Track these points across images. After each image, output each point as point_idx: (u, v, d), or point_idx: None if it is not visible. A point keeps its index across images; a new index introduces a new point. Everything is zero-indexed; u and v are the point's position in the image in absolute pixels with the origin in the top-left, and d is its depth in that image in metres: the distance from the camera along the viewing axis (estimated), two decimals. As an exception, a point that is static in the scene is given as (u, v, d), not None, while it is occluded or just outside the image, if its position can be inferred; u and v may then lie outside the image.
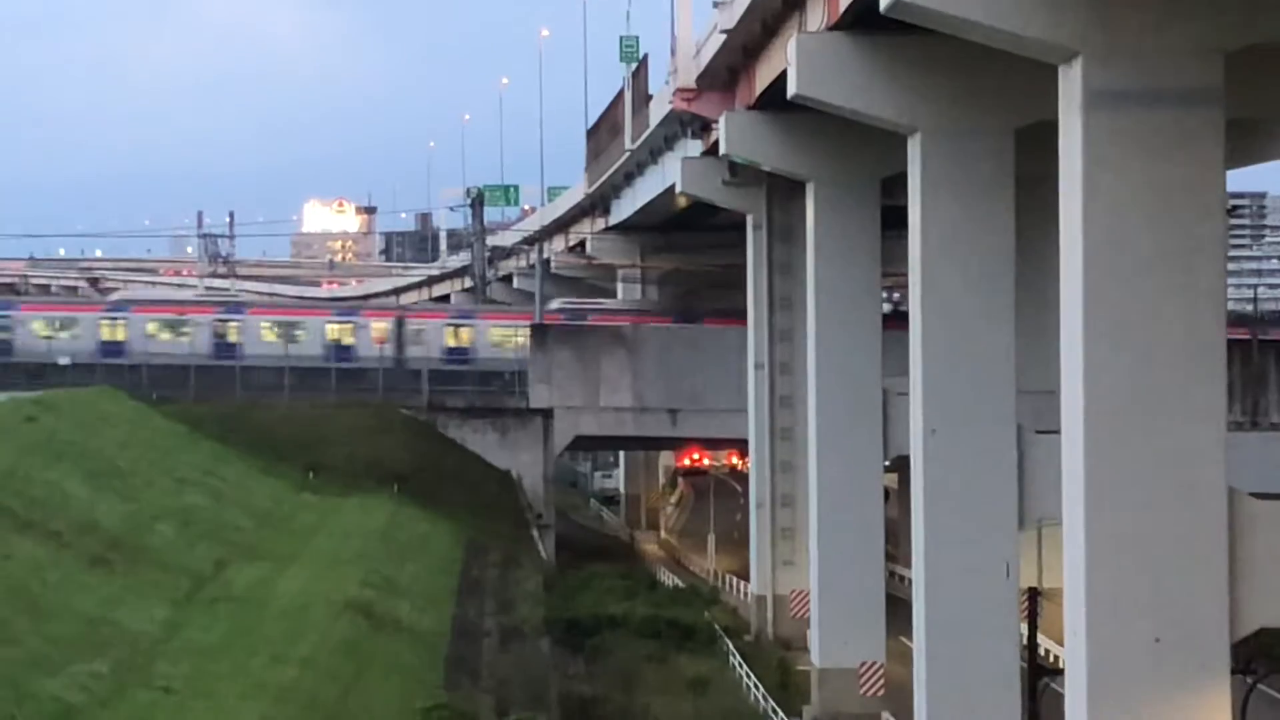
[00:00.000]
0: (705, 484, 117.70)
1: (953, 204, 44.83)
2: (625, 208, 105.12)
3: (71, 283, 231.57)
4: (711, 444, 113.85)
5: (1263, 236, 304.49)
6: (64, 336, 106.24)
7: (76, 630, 50.67)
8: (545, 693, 56.01)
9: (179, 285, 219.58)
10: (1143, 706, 32.95)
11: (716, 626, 74.02)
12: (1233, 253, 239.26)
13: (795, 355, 71.93)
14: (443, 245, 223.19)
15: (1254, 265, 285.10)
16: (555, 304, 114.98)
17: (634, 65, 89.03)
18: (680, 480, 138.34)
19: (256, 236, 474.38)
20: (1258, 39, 33.97)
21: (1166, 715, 32.97)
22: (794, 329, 72.35)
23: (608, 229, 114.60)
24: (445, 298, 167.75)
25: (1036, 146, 42.96)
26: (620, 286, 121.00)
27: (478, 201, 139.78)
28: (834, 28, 45.97)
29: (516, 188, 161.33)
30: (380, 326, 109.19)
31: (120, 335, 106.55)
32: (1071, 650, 34.07)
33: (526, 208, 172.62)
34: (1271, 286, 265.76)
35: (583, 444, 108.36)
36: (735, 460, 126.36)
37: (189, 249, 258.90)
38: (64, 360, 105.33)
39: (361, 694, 51.86)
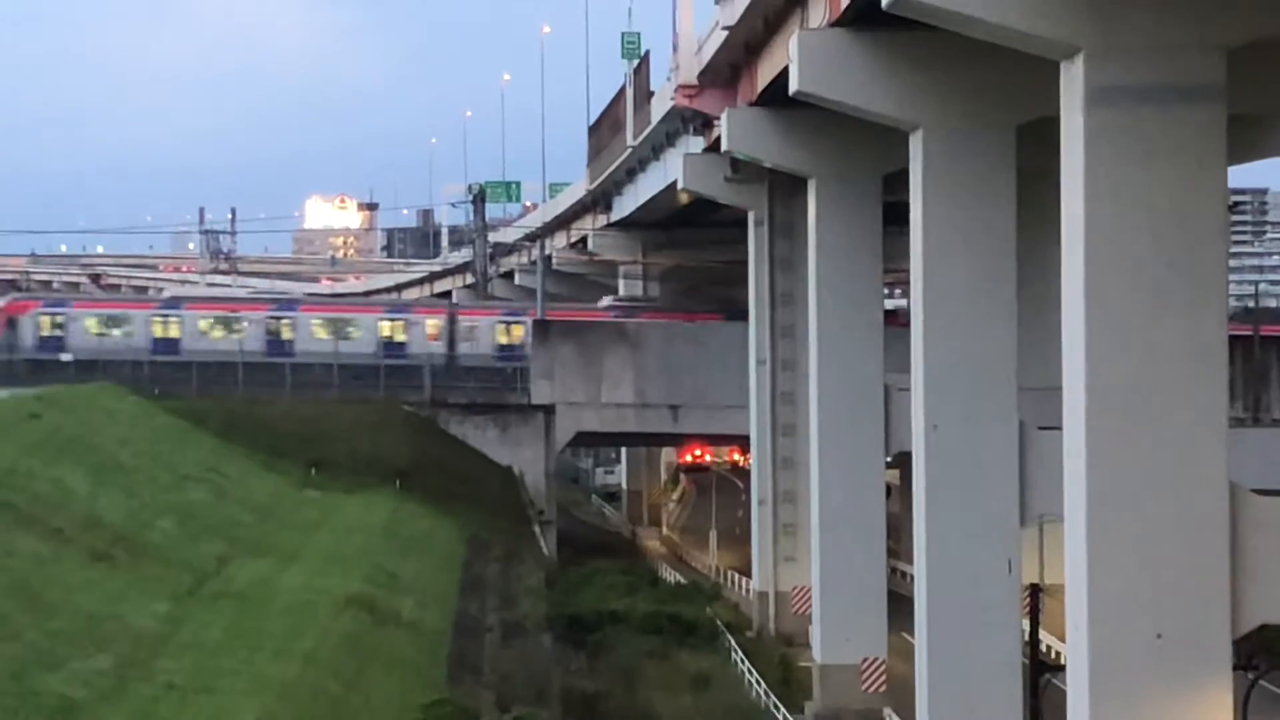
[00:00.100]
0: (707, 480, 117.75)
1: (954, 200, 44.85)
2: (627, 204, 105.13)
3: (73, 279, 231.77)
4: (713, 440, 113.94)
5: (1264, 233, 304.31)
6: (116, 334, 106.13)
7: (79, 626, 50.70)
8: (547, 688, 56.05)
9: (181, 281, 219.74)
10: (1144, 702, 33.00)
11: (718, 623, 74.06)
12: (1234, 249, 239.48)
13: (797, 351, 71.93)
14: (444, 241, 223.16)
15: (1255, 261, 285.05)
16: (605, 301, 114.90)
17: (636, 62, 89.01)
18: (682, 476, 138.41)
19: (258, 233, 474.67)
20: (1259, 35, 33.99)
21: (1168, 711, 33.02)
22: (796, 325, 72.36)
23: (609, 225, 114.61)
24: (447, 294, 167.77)
25: (1038, 143, 42.98)
26: (622, 283, 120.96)
27: (479, 198, 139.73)
28: (836, 24, 45.97)
29: (518, 184, 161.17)
30: (433, 323, 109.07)
31: (173, 332, 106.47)
32: (1073, 646, 34.12)
33: (528, 204, 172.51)
34: (1273, 283, 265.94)
35: (584, 440, 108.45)
36: (737, 456, 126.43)
37: (191, 245, 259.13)
38: (66, 356, 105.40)
39: (363, 690, 51.89)
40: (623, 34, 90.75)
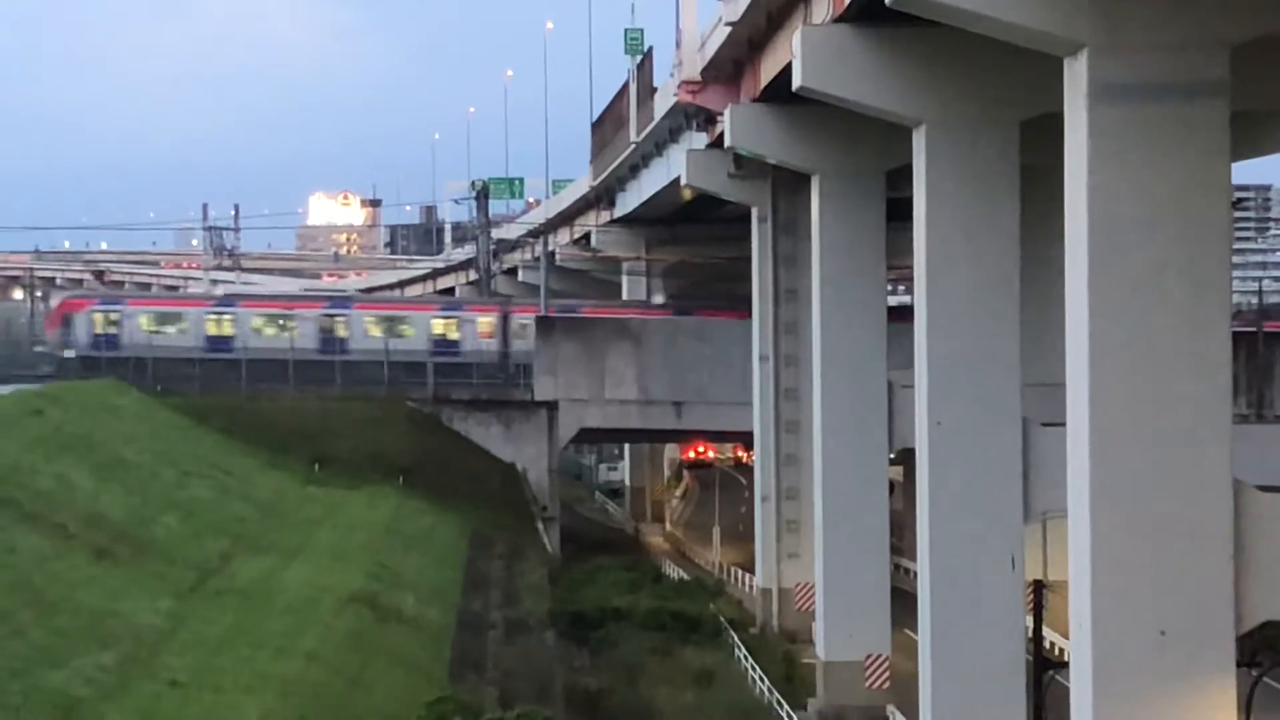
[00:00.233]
0: (710, 477, 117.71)
1: (958, 196, 44.80)
2: (630, 200, 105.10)
3: (77, 275, 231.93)
4: (716, 437, 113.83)
5: (1268, 229, 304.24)
6: (170, 331, 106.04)
7: (82, 623, 50.70)
8: (550, 685, 56.02)
9: (184, 278, 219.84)
10: (1148, 699, 32.97)
11: (722, 619, 74.05)
12: (1237, 245, 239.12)
13: (800, 348, 71.87)
14: (447, 238, 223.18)
15: (1259, 258, 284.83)
16: (659, 299, 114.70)
17: (639, 58, 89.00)
18: (685, 473, 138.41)
19: (262, 229, 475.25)
20: (1263, 31, 33.93)
21: (1171, 708, 32.99)
22: (799, 321, 72.32)
23: (612, 222, 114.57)
24: (450, 290, 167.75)
25: (1042, 139, 42.92)
26: (625, 280, 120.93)
27: (482, 194, 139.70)
28: (839, 20, 45.93)
29: (521, 180, 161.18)
30: (486, 321, 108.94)
31: (227, 330, 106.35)
32: (1077, 643, 34.08)
33: (531, 200, 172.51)
34: (1276, 279, 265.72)
35: (587, 436, 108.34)
36: (740, 453, 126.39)
37: (194, 241, 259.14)
38: (69, 353, 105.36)
39: (366, 686, 51.88)
40: (626, 30, 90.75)
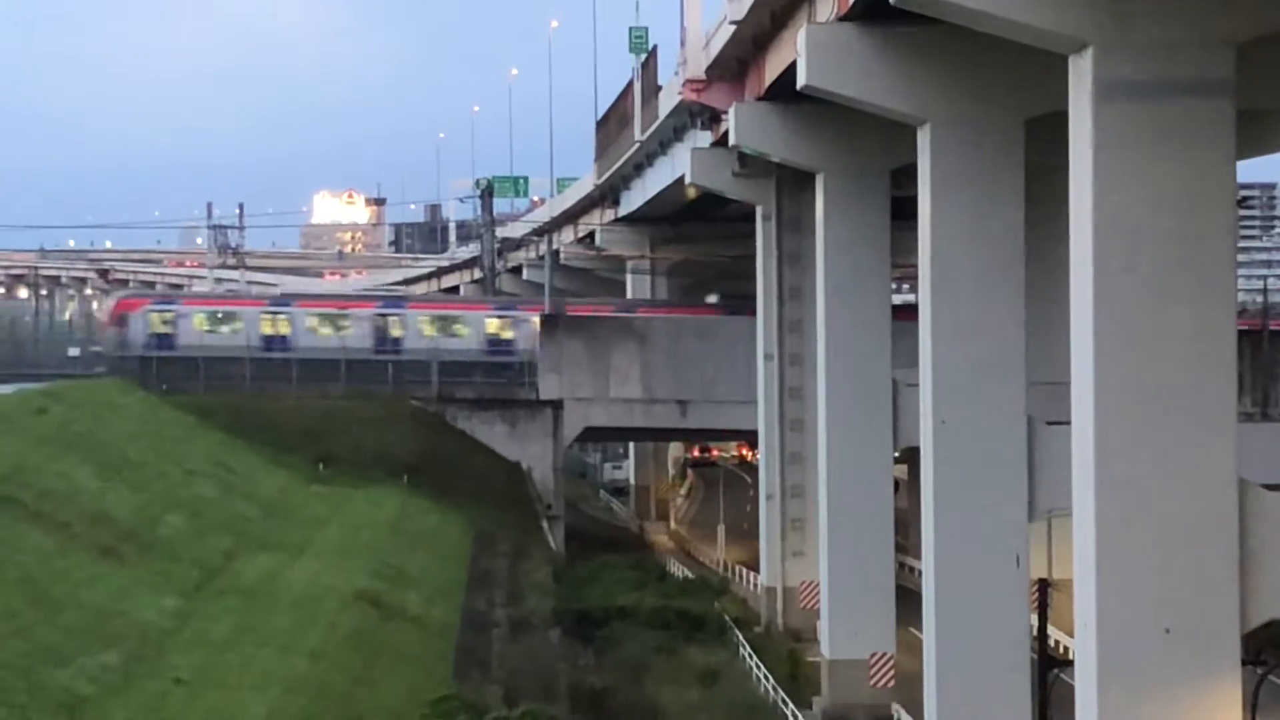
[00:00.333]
0: (715, 475, 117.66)
1: (963, 195, 44.78)
2: (635, 199, 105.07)
3: (81, 274, 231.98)
4: (721, 435, 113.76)
5: (1272, 227, 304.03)
6: (225, 330, 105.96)
7: (87, 621, 50.74)
8: (554, 684, 56.02)
9: (188, 276, 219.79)
10: (1153, 698, 32.94)
11: (726, 618, 74.00)
12: (1242, 243, 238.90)
13: (805, 346, 71.83)
14: (452, 236, 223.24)
15: (1264, 256, 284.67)
16: (712, 298, 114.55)
17: (643, 56, 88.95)
18: (690, 471, 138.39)
19: (266, 228, 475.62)
20: (1267, 30, 33.90)
21: (1176, 706, 32.97)
22: (804, 320, 72.28)
23: (617, 220, 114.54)
24: (455, 289, 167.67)
25: (1047, 137, 42.90)
26: (630, 278, 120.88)
27: (487, 193, 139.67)
28: (844, 18, 45.91)
29: (526, 179, 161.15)
30: (538, 321, 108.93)
31: (283, 329, 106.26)
32: (1081, 641, 34.06)
33: (536, 199, 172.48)
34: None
35: (592, 435, 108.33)
36: (745, 452, 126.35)
37: (198, 240, 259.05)
38: (73, 351, 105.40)
39: (371, 685, 51.91)
40: (630, 29, 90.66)
